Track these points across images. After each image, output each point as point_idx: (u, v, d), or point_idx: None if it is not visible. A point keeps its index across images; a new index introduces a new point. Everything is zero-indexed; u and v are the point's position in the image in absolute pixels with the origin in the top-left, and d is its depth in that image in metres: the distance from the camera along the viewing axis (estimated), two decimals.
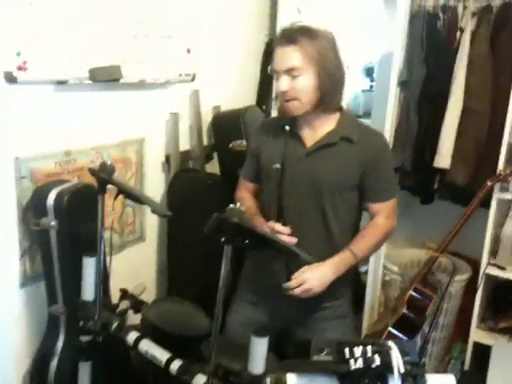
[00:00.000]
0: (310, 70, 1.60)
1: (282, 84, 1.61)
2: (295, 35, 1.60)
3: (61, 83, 1.80)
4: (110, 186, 1.49)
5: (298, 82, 1.61)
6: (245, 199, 1.83)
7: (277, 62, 1.63)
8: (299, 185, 1.69)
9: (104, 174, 1.42)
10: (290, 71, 1.60)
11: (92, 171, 1.46)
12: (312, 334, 1.73)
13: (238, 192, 1.91)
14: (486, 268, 2.54)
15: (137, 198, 1.48)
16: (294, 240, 1.61)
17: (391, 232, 1.79)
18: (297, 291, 1.62)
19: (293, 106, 1.64)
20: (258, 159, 1.80)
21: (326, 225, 1.72)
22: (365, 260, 1.77)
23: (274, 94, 1.85)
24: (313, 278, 1.62)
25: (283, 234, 1.62)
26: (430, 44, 2.67)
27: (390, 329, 2.33)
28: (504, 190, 2.52)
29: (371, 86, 5.82)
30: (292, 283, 1.63)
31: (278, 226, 1.64)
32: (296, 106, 1.64)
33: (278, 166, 1.67)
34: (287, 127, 1.70)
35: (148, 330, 1.60)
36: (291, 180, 1.69)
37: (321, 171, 1.68)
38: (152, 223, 2.39)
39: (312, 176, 1.68)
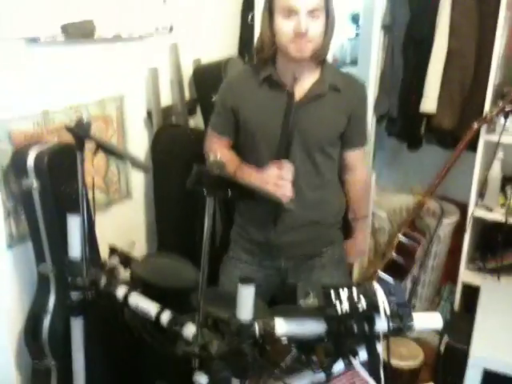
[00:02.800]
0: (323, 15, 1.55)
1: (302, 24, 1.50)
2: None
3: (32, 41, 1.74)
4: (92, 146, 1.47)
5: (318, 24, 1.54)
6: (221, 151, 1.72)
7: (298, 0, 1.51)
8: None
9: (80, 130, 1.39)
10: (312, 11, 1.51)
11: (68, 128, 1.43)
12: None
13: (210, 145, 1.83)
14: (474, 210, 2.56)
15: (116, 153, 1.46)
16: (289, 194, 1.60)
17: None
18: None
19: (307, 48, 1.55)
20: (236, 114, 1.73)
21: (317, 174, 1.72)
22: None
23: (255, 45, 1.75)
24: (355, 254, 1.98)
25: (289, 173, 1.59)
26: None
27: (380, 273, 2.36)
28: (491, 131, 2.51)
29: (357, 34, 5.69)
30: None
31: (284, 172, 1.59)
32: (309, 49, 1.56)
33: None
34: (275, 76, 1.65)
35: (138, 285, 1.61)
36: (281, 136, 1.65)
37: (312, 124, 1.65)
38: (138, 180, 2.36)
39: (302, 130, 1.64)
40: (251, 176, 1.64)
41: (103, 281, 1.56)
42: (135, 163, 1.41)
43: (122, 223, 2.26)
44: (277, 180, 1.57)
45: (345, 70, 1.90)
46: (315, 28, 1.54)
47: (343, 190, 1.87)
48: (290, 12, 1.52)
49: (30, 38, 1.74)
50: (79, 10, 1.87)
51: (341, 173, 1.84)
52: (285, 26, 1.54)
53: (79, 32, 1.87)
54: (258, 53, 1.69)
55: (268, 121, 1.66)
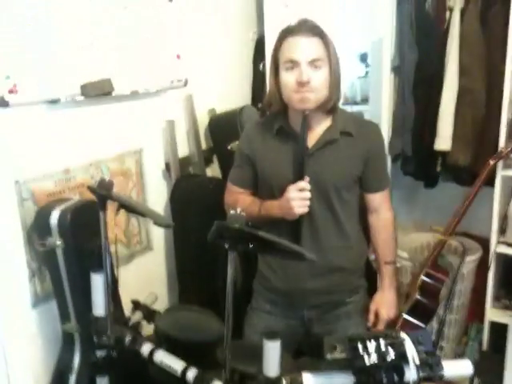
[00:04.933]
0: (327, 66, 1.58)
1: (304, 74, 1.53)
2: (319, 28, 1.59)
3: (53, 102, 1.81)
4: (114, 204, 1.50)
5: (320, 74, 1.56)
6: (240, 199, 1.75)
7: (299, 51, 1.55)
8: None
9: (103, 191, 1.42)
10: (313, 62, 1.55)
11: (91, 189, 1.46)
12: (335, 333, 1.74)
13: (230, 199, 1.83)
14: (496, 246, 2.52)
15: (138, 211, 1.48)
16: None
17: (395, 220, 1.86)
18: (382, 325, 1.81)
19: (309, 98, 1.57)
20: (254, 165, 1.75)
21: (336, 221, 1.71)
22: None
23: (265, 100, 1.79)
24: (387, 309, 1.82)
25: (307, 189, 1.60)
26: (420, 27, 2.64)
27: (405, 316, 2.32)
28: (507, 166, 2.49)
29: (367, 73, 5.78)
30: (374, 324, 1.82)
31: (302, 184, 1.60)
32: (311, 99, 1.57)
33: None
34: (287, 127, 1.68)
35: (162, 340, 1.60)
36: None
37: (326, 170, 1.66)
38: (158, 231, 2.39)
39: (318, 176, 1.65)
40: (274, 206, 1.65)
41: (128, 338, 1.55)
42: (158, 220, 1.43)
43: (144, 275, 2.28)
44: (298, 193, 1.58)
45: (356, 108, 1.92)
46: (317, 78, 1.57)
47: (367, 234, 1.86)
48: (292, 64, 1.56)
49: (50, 100, 1.80)
50: (97, 69, 1.94)
51: (365, 216, 1.84)
52: (288, 78, 1.58)
53: (98, 91, 1.93)
54: (269, 107, 1.73)
55: (283, 170, 1.68)
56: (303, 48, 1.56)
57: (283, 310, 1.80)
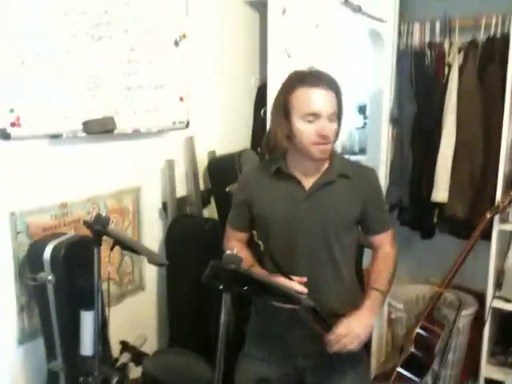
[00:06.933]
0: (338, 119, 1.64)
1: (327, 128, 1.59)
2: (332, 82, 1.63)
3: (55, 137, 1.82)
4: (106, 237, 1.49)
5: (334, 127, 1.62)
6: (237, 250, 1.75)
7: (321, 105, 1.59)
8: (304, 228, 1.66)
9: (99, 226, 1.41)
10: (330, 116, 1.60)
11: (87, 224, 1.45)
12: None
13: (228, 242, 1.85)
14: (492, 301, 2.50)
15: (133, 249, 1.46)
16: (304, 290, 1.54)
17: (398, 259, 1.79)
18: (346, 345, 1.57)
19: (327, 149, 1.63)
20: (250, 208, 1.76)
21: (333, 263, 1.69)
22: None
23: (265, 143, 1.80)
24: (359, 327, 1.59)
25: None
26: (419, 81, 2.71)
27: (399, 369, 2.27)
28: (504, 221, 2.50)
29: (365, 123, 5.87)
30: (338, 338, 1.56)
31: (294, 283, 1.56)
32: (328, 150, 1.64)
33: None
34: (285, 169, 1.69)
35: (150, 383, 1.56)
36: (295, 224, 1.67)
37: (324, 210, 1.67)
38: (151, 271, 2.36)
39: (316, 216, 1.66)
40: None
41: (114, 380, 1.51)
42: (152, 259, 1.42)
43: (135, 315, 2.23)
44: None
45: (354, 158, 1.94)
46: (332, 130, 1.63)
47: (361, 281, 1.83)
48: (313, 116, 1.60)
49: (52, 135, 1.81)
50: (100, 106, 1.95)
51: (359, 263, 1.82)
52: (308, 130, 1.61)
53: (100, 128, 1.94)
54: (271, 151, 1.74)
55: (280, 211, 1.68)
56: (324, 102, 1.59)
57: (276, 357, 1.75)
